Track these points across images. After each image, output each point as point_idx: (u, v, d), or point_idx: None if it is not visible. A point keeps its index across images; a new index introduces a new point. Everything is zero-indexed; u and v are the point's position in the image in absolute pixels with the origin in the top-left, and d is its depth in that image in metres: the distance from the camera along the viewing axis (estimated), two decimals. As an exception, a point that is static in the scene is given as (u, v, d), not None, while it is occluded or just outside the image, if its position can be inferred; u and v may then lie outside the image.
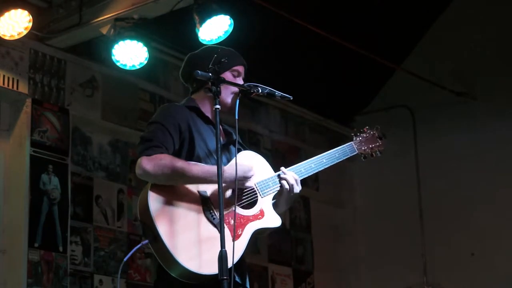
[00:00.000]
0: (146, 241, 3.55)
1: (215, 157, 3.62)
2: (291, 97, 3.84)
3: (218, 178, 3.43)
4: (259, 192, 3.76)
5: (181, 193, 3.60)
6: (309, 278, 8.21)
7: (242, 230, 3.65)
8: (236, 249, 3.44)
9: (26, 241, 5.92)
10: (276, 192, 3.82)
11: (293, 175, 3.84)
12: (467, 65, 8.14)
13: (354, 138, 4.14)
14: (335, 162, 4.00)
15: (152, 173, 3.55)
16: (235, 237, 3.52)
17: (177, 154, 3.66)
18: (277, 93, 3.80)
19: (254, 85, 3.77)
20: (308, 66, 7.77)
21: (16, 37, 5.79)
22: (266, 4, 6.46)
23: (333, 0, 7.40)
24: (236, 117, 3.66)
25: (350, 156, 4.11)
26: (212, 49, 3.92)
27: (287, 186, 3.80)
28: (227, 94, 3.80)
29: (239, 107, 3.69)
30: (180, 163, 3.58)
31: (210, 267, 3.47)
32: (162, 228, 3.49)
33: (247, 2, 6.32)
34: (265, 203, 3.77)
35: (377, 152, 4.17)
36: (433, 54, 8.28)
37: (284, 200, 3.85)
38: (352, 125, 8.46)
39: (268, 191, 3.78)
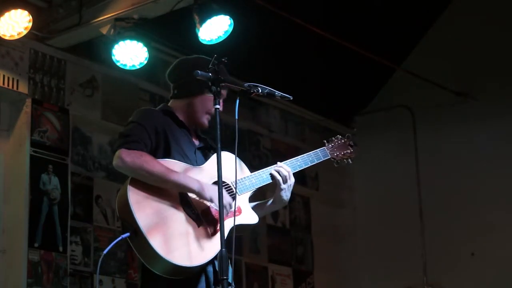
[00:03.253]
0: (127, 234, 3.58)
1: (190, 159, 3.77)
2: (291, 97, 3.86)
3: (218, 177, 3.47)
4: (235, 190, 3.79)
5: (160, 188, 3.66)
6: (309, 278, 8.21)
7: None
8: (214, 244, 3.56)
9: (26, 241, 5.92)
10: (255, 190, 3.91)
11: (286, 167, 3.95)
12: (467, 65, 8.13)
13: (327, 144, 4.25)
14: (308, 166, 4.10)
15: (130, 166, 3.65)
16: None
17: (153, 153, 3.72)
18: (277, 93, 3.81)
19: (254, 85, 3.77)
20: (308, 66, 7.77)
21: (16, 37, 5.79)
22: (266, 4, 6.46)
23: (333, 0, 7.40)
24: (236, 117, 3.66)
25: (324, 160, 4.19)
26: (204, 60, 3.92)
27: (279, 177, 3.90)
28: (202, 113, 3.90)
29: (239, 107, 3.69)
30: (160, 167, 3.63)
31: (190, 260, 3.54)
32: (143, 222, 3.55)
33: (247, 2, 6.32)
34: (242, 200, 3.84)
35: (349, 159, 4.26)
36: (433, 54, 8.27)
37: (279, 192, 3.92)
38: (352, 125, 8.47)
39: (244, 189, 3.85)
